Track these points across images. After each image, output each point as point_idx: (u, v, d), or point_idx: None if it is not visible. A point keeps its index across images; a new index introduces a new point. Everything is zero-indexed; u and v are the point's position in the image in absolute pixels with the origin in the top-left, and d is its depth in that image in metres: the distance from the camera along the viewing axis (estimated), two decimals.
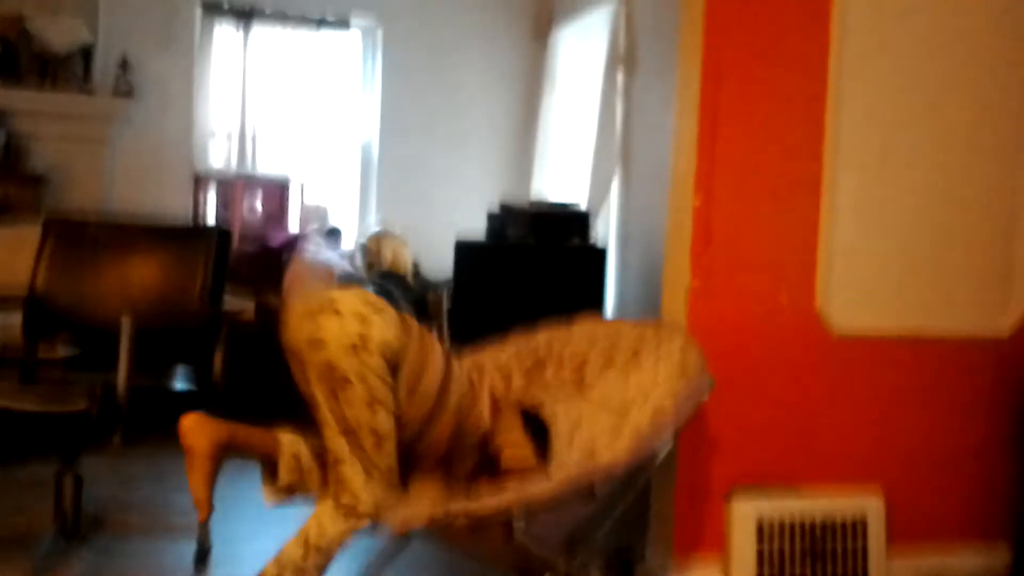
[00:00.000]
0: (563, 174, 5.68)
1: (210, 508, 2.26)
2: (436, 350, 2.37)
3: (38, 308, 3.29)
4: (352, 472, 2.22)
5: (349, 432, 2.21)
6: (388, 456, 2.24)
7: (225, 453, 2.31)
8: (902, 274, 3.00)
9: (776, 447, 2.92)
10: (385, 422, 2.22)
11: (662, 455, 2.60)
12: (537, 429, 2.61)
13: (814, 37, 2.86)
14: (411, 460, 2.51)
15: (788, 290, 2.90)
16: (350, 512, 2.22)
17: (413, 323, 2.38)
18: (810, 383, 2.94)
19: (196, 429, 2.26)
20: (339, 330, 2.17)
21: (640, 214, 4.37)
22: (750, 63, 2.83)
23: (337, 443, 2.22)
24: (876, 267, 2.97)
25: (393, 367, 2.22)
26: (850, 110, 2.89)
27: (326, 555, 2.21)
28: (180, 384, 3.23)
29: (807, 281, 2.91)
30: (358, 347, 2.16)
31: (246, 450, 2.36)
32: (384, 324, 2.22)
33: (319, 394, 2.23)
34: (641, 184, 4.48)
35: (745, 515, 2.84)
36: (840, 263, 2.92)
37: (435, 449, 2.45)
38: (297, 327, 2.25)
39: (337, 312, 2.19)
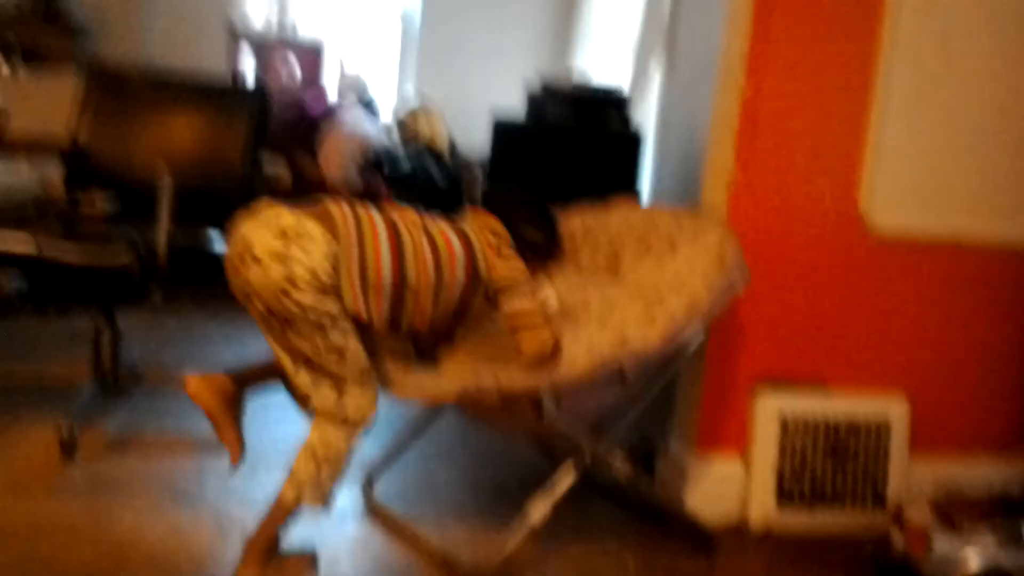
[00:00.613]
0: (605, 53, 5.56)
1: (241, 450, 2.35)
2: (378, 232, 2.27)
3: (79, 160, 3.28)
4: (322, 397, 2.24)
5: (308, 362, 2.21)
6: (355, 361, 2.23)
7: (238, 398, 2.37)
8: (947, 179, 2.94)
9: (806, 345, 2.92)
10: (338, 337, 2.19)
11: (693, 346, 2.61)
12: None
13: None
14: (421, 338, 2.53)
15: (831, 186, 2.85)
16: (343, 423, 2.25)
17: (340, 213, 2.26)
18: (846, 282, 2.92)
19: (200, 390, 2.31)
20: (264, 279, 2.12)
21: (683, 101, 4.26)
22: None
23: (300, 378, 2.23)
24: (922, 170, 2.91)
25: (330, 284, 2.16)
26: (911, 7, 2.79)
27: (336, 463, 2.26)
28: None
29: (851, 179, 2.86)
30: (288, 290, 2.11)
31: (258, 383, 2.40)
32: (306, 251, 2.14)
33: (268, 336, 2.23)
34: (686, 70, 4.37)
35: (769, 410, 2.86)
36: (886, 164, 2.86)
37: (428, 319, 2.39)
38: (230, 279, 2.21)
39: (257, 259, 2.13)
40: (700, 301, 2.47)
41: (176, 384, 2.72)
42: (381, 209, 2.38)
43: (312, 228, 2.18)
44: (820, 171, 2.84)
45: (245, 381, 2.38)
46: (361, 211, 2.31)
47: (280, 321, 2.16)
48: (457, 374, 2.44)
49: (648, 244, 2.79)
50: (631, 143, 4.25)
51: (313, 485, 2.24)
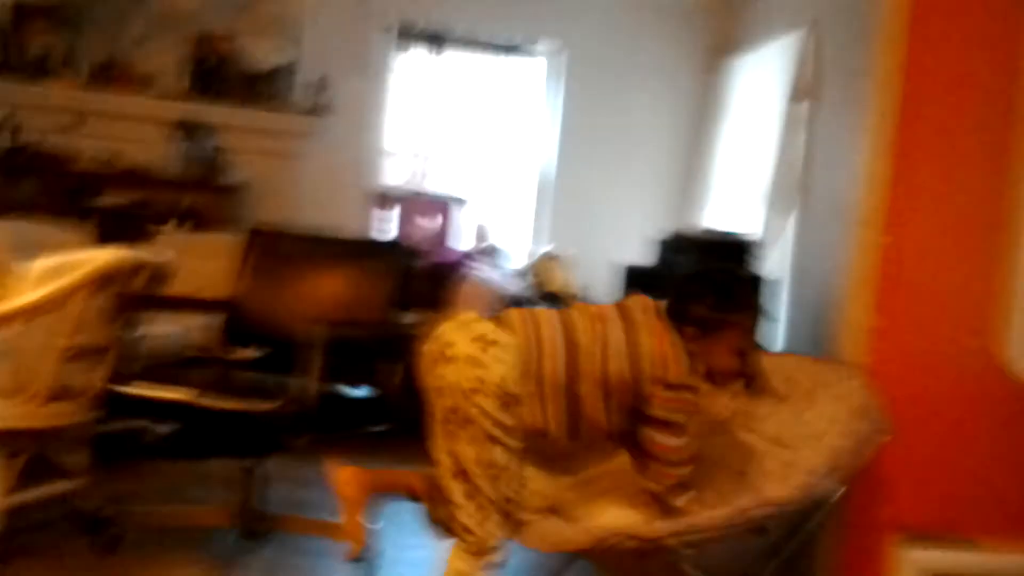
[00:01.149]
0: (732, 205, 5.63)
1: (363, 544, 2.47)
2: (556, 345, 2.35)
3: (237, 312, 3.47)
4: (467, 513, 2.30)
5: (463, 472, 2.29)
6: (507, 486, 2.31)
7: (372, 496, 2.52)
8: None
9: (950, 497, 2.82)
10: (501, 456, 2.28)
11: (833, 498, 2.55)
12: None
13: (1010, 72, 2.78)
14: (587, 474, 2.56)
15: (973, 334, 2.81)
16: (474, 552, 2.30)
17: (524, 329, 2.37)
18: (992, 432, 2.83)
19: (349, 480, 2.50)
20: (456, 376, 2.27)
21: (816, 249, 4.29)
22: (946, 97, 2.78)
23: (452, 484, 2.31)
24: None
25: (513, 396, 2.28)
26: None
27: None
28: (357, 392, 3.36)
29: (993, 326, 2.81)
30: (475, 391, 2.25)
31: (393, 491, 2.55)
32: (497, 360, 2.27)
33: (440, 435, 2.33)
34: (816, 217, 4.41)
35: (914, 565, 2.75)
36: None
37: (602, 420, 2.40)
38: (423, 375, 2.36)
39: (452, 359, 2.28)
40: (841, 451, 2.43)
41: (314, 529, 2.82)
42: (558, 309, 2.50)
43: (506, 339, 2.31)
44: (960, 318, 2.81)
45: (382, 485, 2.52)
46: (540, 314, 2.44)
47: (458, 423, 2.26)
48: (589, 521, 2.45)
49: (785, 391, 2.78)
50: (765, 289, 4.27)
51: None
